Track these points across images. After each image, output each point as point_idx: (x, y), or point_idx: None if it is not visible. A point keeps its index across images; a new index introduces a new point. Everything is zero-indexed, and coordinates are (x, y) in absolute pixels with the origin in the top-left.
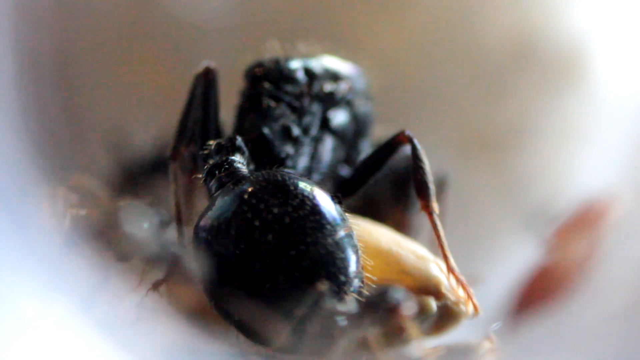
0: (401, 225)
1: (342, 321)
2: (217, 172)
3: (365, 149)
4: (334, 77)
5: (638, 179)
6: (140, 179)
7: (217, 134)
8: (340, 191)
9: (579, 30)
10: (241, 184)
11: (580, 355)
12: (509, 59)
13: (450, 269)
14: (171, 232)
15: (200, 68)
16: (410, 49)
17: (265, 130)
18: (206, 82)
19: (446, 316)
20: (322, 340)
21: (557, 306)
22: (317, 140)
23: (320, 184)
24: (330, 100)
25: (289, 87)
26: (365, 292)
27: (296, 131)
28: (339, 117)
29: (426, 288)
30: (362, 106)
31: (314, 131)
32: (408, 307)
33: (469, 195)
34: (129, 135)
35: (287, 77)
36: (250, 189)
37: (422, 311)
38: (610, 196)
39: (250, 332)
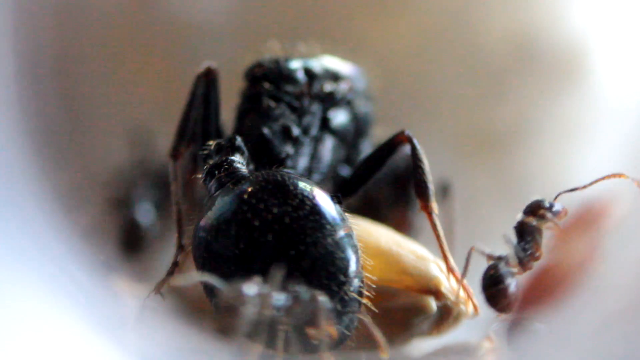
0: (401, 225)
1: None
2: (216, 172)
3: (365, 149)
4: (334, 77)
5: (638, 179)
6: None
7: (218, 134)
8: (340, 191)
9: (578, 31)
10: (241, 183)
11: (580, 355)
12: (509, 59)
13: (450, 269)
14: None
15: (201, 68)
16: (411, 49)
17: (265, 130)
18: (207, 82)
19: (446, 316)
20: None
21: (557, 306)
22: (317, 140)
23: (320, 184)
24: (330, 100)
25: (289, 87)
26: (365, 292)
27: (296, 131)
28: (339, 117)
29: (426, 288)
30: (362, 106)
31: (314, 131)
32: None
33: (469, 195)
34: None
35: (287, 77)
36: (249, 189)
37: (422, 311)
38: (610, 196)
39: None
